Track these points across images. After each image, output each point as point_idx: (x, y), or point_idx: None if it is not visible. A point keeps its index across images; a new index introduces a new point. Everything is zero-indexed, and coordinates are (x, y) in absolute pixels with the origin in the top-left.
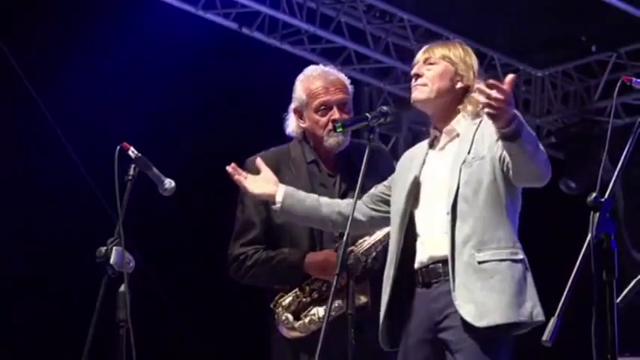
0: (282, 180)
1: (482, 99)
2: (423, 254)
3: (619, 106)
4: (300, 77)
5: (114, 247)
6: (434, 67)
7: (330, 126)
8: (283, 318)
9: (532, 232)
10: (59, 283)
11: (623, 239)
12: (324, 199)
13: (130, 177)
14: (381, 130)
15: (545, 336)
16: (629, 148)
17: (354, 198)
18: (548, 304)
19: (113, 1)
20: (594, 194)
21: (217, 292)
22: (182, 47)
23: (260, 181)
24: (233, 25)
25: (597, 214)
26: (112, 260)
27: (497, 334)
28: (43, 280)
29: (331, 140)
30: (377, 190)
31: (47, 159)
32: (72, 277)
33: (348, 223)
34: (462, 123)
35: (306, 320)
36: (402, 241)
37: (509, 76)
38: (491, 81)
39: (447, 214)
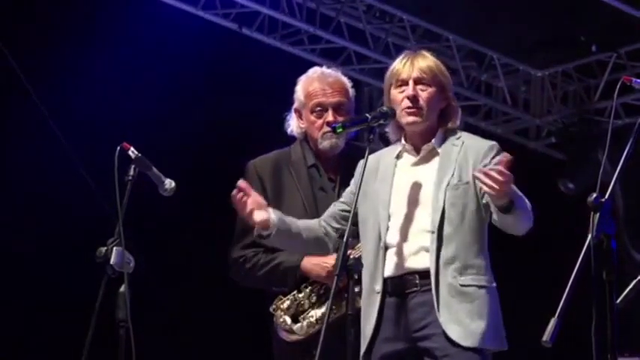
0: (282, 183)
1: (485, 188)
2: (398, 265)
3: (618, 106)
4: (302, 78)
5: (114, 248)
6: (428, 89)
7: (324, 128)
8: (282, 321)
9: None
10: (59, 284)
11: (623, 239)
12: (302, 223)
13: (130, 177)
14: (382, 131)
15: (546, 336)
16: (629, 149)
17: (352, 206)
18: (548, 304)
19: (113, 1)
20: (594, 194)
21: (218, 292)
22: (182, 47)
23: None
24: (233, 26)
25: (597, 214)
26: (112, 260)
27: (479, 353)
28: (43, 280)
29: (325, 143)
30: (336, 207)
31: (46, 159)
32: (72, 278)
33: (348, 224)
34: (440, 139)
35: (305, 323)
36: (382, 253)
37: (506, 159)
38: (485, 171)
39: (432, 232)
